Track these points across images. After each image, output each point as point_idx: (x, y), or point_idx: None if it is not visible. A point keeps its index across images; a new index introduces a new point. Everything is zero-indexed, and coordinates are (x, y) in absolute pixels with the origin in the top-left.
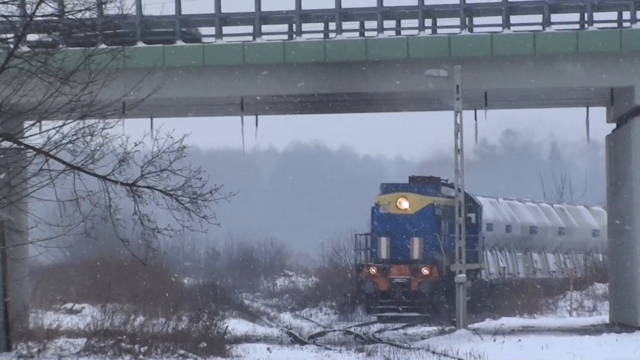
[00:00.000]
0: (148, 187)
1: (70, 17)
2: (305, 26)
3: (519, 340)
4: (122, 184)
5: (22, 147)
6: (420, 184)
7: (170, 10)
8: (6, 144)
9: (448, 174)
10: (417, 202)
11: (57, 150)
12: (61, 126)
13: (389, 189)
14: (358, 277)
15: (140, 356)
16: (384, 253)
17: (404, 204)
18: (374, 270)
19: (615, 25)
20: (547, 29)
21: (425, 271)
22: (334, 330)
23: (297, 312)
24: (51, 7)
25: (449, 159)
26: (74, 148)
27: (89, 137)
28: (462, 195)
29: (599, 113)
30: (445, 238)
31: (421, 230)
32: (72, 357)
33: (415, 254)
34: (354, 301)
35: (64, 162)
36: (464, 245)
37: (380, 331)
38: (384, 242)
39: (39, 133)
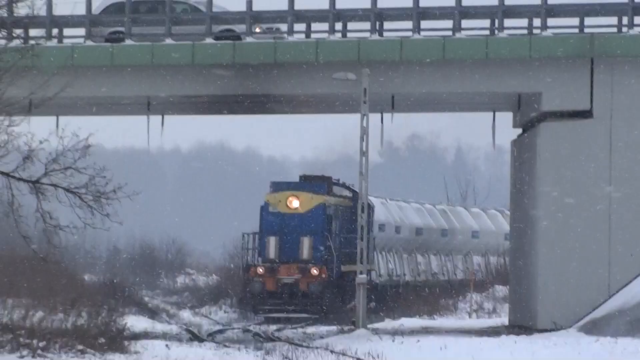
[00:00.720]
0: (51, 185)
1: None
2: (215, 28)
3: (418, 340)
4: (25, 181)
5: None
6: (311, 183)
7: (81, 10)
8: None
9: (353, 176)
10: (308, 201)
11: None
12: None
13: (279, 187)
14: (245, 277)
15: (39, 351)
16: (272, 253)
17: (295, 203)
18: (261, 270)
19: (525, 32)
20: (457, 35)
21: (314, 271)
22: (233, 329)
23: (197, 310)
24: None
25: (354, 160)
26: None
27: None
28: (365, 197)
29: (505, 118)
30: (336, 238)
31: (311, 230)
32: None
33: (305, 253)
34: (241, 301)
35: None
36: (365, 247)
37: (279, 330)
38: (272, 241)
39: None
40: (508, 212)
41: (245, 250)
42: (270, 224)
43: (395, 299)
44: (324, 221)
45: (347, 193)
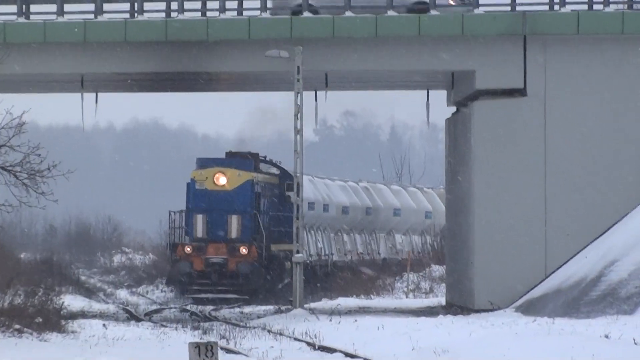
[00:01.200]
0: None
1: None
2: (148, 5)
3: (355, 320)
4: None
5: None
6: (238, 159)
7: None
8: None
9: (288, 154)
10: (235, 178)
11: None
12: None
13: (206, 163)
14: (172, 256)
15: None
16: (200, 231)
17: (222, 180)
18: (189, 250)
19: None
20: (390, 12)
21: (243, 250)
22: (170, 308)
23: (134, 289)
24: None
25: (289, 138)
26: None
27: None
28: (301, 175)
29: (439, 96)
30: (265, 216)
31: (239, 207)
32: None
33: (234, 232)
34: (169, 281)
35: None
36: (302, 225)
37: (216, 309)
38: (199, 219)
39: None
40: (427, 190)
41: (172, 228)
42: (197, 202)
43: (325, 279)
44: (252, 199)
45: (274, 170)
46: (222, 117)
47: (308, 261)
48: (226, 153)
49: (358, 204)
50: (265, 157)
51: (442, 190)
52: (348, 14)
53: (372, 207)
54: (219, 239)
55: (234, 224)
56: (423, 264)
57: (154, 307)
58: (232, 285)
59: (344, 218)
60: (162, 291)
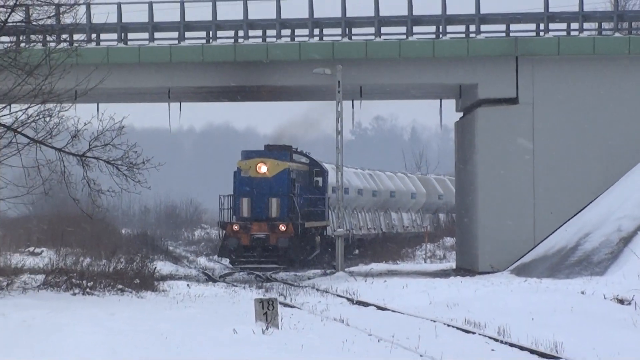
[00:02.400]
0: (94, 158)
1: (35, 24)
2: (220, 33)
3: (385, 281)
4: (74, 155)
5: None
6: (276, 151)
7: (113, 19)
8: None
9: (329, 151)
10: (274, 167)
11: (23, 128)
12: (26, 109)
13: (249, 155)
14: (223, 233)
15: (87, 290)
16: (245, 212)
17: (263, 168)
18: (236, 227)
19: (464, 35)
20: (410, 38)
21: (282, 228)
22: (240, 272)
23: (211, 257)
24: (20, 15)
25: (331, 138)
26: (36, 126)
27: (48, 118)
28: (341, 167)
29: (449, 104)
30: (299, 198)
31: (278, 191)
32: (34, 290)
33: (273, 212)
34: (220, 254)
35: (28, 137)
36: (341, 207)
37: (276, 272)
38: (245, 202)
39: (9, 114)
40: (440, 177)
41: (222, 210)
42: (242, 187)
43: (346, 250)
44: (289, 184)
45: (304, 160)
46: (279, 120)
47: (332, 235)
48: (265, 146)
49: (368, 187)
50: (297, 148)
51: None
52: (377, 39)
53: (377, 190)
54: (261, 218)
55: (274, 206)
56: (437, 236)
57: (227, 271)
58: (273, 256)
59: (358, 198)
60: None
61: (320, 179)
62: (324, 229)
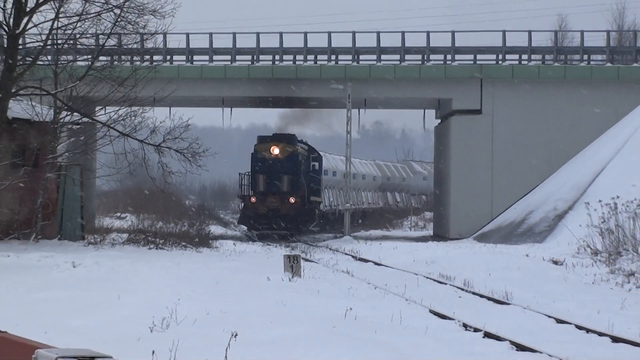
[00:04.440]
0: (167, 147)
1: (125, 47)
2: (261, 57)
3: (380, 243)
4: (152, 144)
5: (94, 121)
6: (286, 136)
7: (183, 44)
8: (85, 119)
9: (337, 146)
10: (285, 150)
11: (114, 124)
12: (118, 110)
13: (264, 139)
14: (243, 204)
15: (159, 245)
16: (261, 186)
17: (276, 151)
18: (254, 200)
19: (442, 62)
20: (402, 63)
21: (292, 200)
22: (273, 234)
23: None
24: (113, 41)
25: (341, 136)
26: (124, 123)
27: (133, 117)
28: (349, 159)
29: (430, 113)
30: (304, 177)
31: (289, 170)
32: (120, 245)
33: (285, 187)
34: (240, 221)
35: (118, 131)
36: (349, 187)
37: (298, 236)
38: (261, 178)
39: (104, 114)
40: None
41: (241, 185)
42: (259, 166)
43: (334, 222)
44: (297, 164)
45: (304, 146)
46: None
47: (324, 209)
48: (273, 134)
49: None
50: (301, 139)
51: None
52: (378, 64)
53: (356, 173)
54: (274, 192)
55: (285, 182)
56: (420, 210)
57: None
58: (284, 223)
59: (343, 180)
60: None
61: (317, 163)
62: (319, 204)
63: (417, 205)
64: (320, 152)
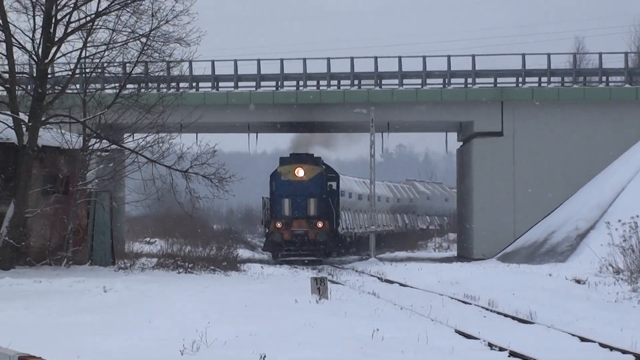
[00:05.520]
0: (195, 173)
1: (151, 75)
2: (286, 82)
3: (405, 265)
4: (179, 170)
5: (123, 148)
6: (310, 157)
7: (208, 71)
8: (114, 146)
9: (365, 171)
10: (310, 171)
11: (142, 151)
12: (145, 137)
13: (287, 161)
14: (267, 230)
15: (188, 269)
16: (286, 211)
17: (301, 172)
18: (279, 225)
19: (463, 85)
20: (424, 87)
21: (320, 224)
22: (300, 257)
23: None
24: (140, 69)
25: (365, 160)
26: (152, 149)
27: (161, 143)
28: (373, 184)
29: (452, 136)
30: (330, 199)
31: (315, 192)
32: (149, 269)
33: (312, 211)
34: (264, 248)
35: (146, 158)
36: (373, 207)
37: (324, 259)
38: (286, 202)
39: (133, 140)
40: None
41: (265, 209)
42: (283, 189)
43: (349, 245)
44: (323, 186)
45: (322, 165)
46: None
47: (340, 232)
48: (290, 154)
49: (365, 193)
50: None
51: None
52: (400, 88)
53: (368, 194)
54: (301, 216)
55: (312, 205)
56: (444, 232)
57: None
58: (312, 250)
59: (358, 202)
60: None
61: (334, 183)
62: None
63: (423, 226)
64: (342, 175)
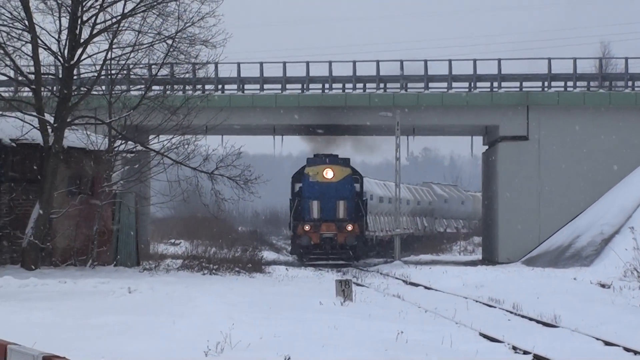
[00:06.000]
0: (220, 175)
1: (177, 77)
2: (311, 85)
3: (430, 267)
4: (205, 172)
5: (148, 149)
6: (338, 158)
7: (234, 74)
8: (139, 147)
9: (390, 174)
10: (339, 172)
11: (168, 152)
12: (171, 138)
13: (315, 162)
14: (294, 233)
15: (213, 271)
16: (315, 213)
17: (329, 174)
18: (307, 227)
19: (489, 89)
20: (450, 91)
21: (349, 227)
22: (330, 262)
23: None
24: (166, 71)
25: (390, 163)
26: (178, 151)
27: (186, 145)
28: (398, 187)
29: (478, 140)
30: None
31: (344, 195)
32: (174, 270)
33: (341, 214)
34: (292, 252)
35: (172, 159)
36: (398, 210)
37: (354, 262)
38: (314, 204)
39: (158, 142)
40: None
41: (293, 212)
42: (311, 191)
43: (371, 248)
44: (353, 188)
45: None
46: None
47: (366, 235)
48: (314, 155)
49: (387, 195)
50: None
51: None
52: (426, 92)
53: (391, 197)
54: (329, 219)
55: (342, 207)
56: (469, 235)
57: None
58: (341, 254)
59: (379, 205)
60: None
61: (358, 185)
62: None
63: (440, 229)
64: (366, 178)
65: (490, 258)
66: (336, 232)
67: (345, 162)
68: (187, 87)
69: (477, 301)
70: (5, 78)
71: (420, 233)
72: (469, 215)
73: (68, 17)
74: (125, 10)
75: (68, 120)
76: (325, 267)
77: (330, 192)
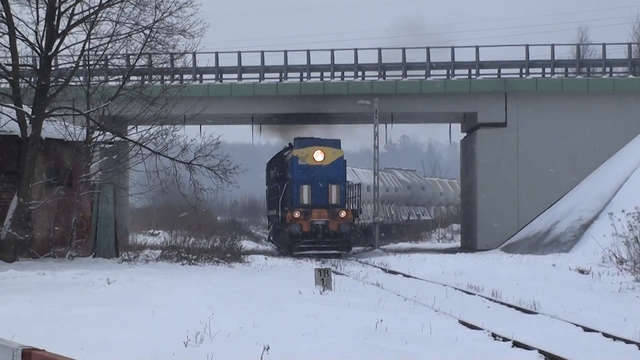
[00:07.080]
0: (198, 165)
1: (155, 67)
2: (289, 74)
3: (409, 255)
4: (183, 162)
5: (126, 140)
6: (329, 139)
7: (212, 63)
8: (117, 138)
9: (368, 162)
10: (331, 155)
11: (146, 143)
12: (149, 129)
13: (305, 143)
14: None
15: (192, 261)
16: (305, 199)
17: (320, 156)
18: (297, 214)
19: (467, 77)
20: (428, 78)
21: (342, 214)
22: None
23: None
24: (144, 61)
25: (369, 151)
26: (156, 141)
27: (164, 135)
28: (376, 175)
29: (456, 127)
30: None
31: (336, 178)
32: (153, 261)
33: (333, 199)
34: (271, 240)
35: (150, 150)
36: (377, 201)
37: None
38: (305, 189)
39: (136, 132)
40: (448, 180)
41: (269, 199)
42: (300, 175)
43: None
44: (344, 172)
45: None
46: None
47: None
48: (294, 139)
49: (386, 185)
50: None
51: (455, 181)
52: (404, 79)
53: (388, 187)
54: (321, 205)
55: (334, 192)
56: (447, 222)
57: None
58: (334, 242)
59: (368, 193)
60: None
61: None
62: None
63: (405, 217)
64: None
65: (469, 245)
66: (328, 219)
67: (336, 143)
68: (165, 77)
69: (456, 288)
70: None
71: (389, 222)
72: (429, 201)
73: (45, 8)
74: (103, 1)
75: (46, 111)
76: (303, 256)
77: (321, 176)
